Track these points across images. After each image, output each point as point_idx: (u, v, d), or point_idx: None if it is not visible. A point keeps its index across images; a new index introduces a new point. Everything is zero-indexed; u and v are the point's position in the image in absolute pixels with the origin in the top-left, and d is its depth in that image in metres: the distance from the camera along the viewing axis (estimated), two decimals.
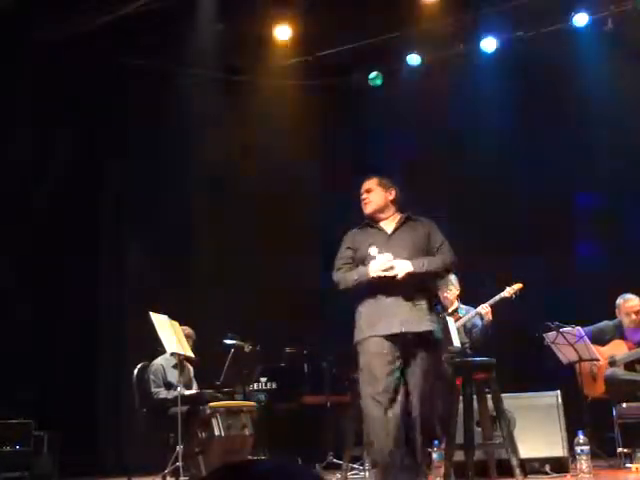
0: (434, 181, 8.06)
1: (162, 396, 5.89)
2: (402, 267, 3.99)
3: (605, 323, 5.93)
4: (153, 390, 5.98)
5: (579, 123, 7.59)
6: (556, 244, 7.62)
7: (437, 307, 4.40)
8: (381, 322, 4.03)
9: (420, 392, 3.98)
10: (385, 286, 4.02)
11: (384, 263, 4.01)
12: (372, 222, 4.25)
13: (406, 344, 4.00)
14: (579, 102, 7.47)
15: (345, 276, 4.16)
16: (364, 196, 4.27)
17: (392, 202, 4.24)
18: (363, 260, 4.12)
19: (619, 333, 5.84)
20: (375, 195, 4.24)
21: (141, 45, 7.87)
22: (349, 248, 4.23)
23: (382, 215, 4.23)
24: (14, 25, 6.82)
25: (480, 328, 5.95)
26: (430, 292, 4.21)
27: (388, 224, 4.22)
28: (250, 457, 6.06)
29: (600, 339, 5.84)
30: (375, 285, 4.04)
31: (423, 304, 4.09)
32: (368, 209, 4.25)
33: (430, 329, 4.04)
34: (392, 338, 3.99)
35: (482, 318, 5.95)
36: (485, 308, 5.88)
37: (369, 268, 4.04)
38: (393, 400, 3.93)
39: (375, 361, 3.99)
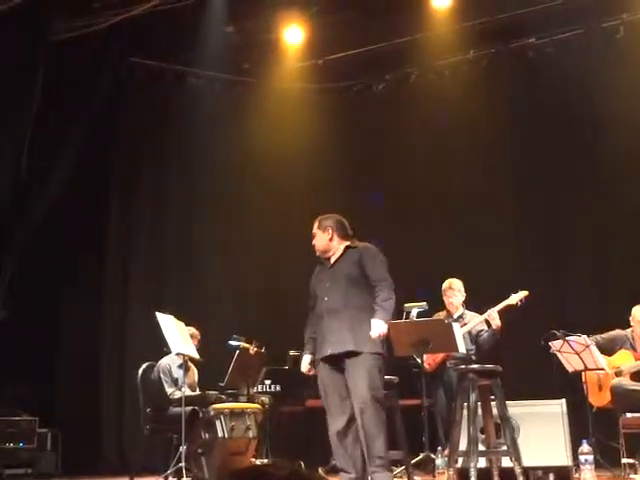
0: (439, 186, 8.06)
1: (177, 396, 5.90)
2: (377, 330, 4.45)
3: (616, 332, 5.89)
4: (168, 390, 5.99)
5: (588, 129, 7.58)
6: (562, 251, 7.61)
7: None
8: (320, 346, 4.61)
9: (358, 402, 4.40)
10: (327, 309, 4.58)
11: None
12: (323, 259, 4.82)
13: (339, 362, 4.51)
14: (590, 109, 7.46)
15: (305, 338, 4.79)
16: (313, 242, 4.80)
17: (331, 240, 4.74)
18: (315, 294, 4.72)
19: (629, 343, 5.80)
20: (317, 239, 4.77)
21: (152, 46, 7.90)
22: (311, 287, 4.81)
23: (328, 253, 4.78)
24: (27, 24, 6.84)
25: (489, 334, 5.93)
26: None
27: (334, 257, 4.76)
28: (253, 460, 6.06)
29: (610, 348, 5.80)
30: (320, 308, 4.62)
31: (364, 324, 4.47)
32: (316, 253, 4.81)
33: (354, 349, 4.44)
34: (327, 360, 4.56)
35: (489, 325, 5.93)
36: (492, 314, 5.85)
37: (302, 364, 4.76)
38: (342, 417, 4.48)
39: (324, 386, 4.60)
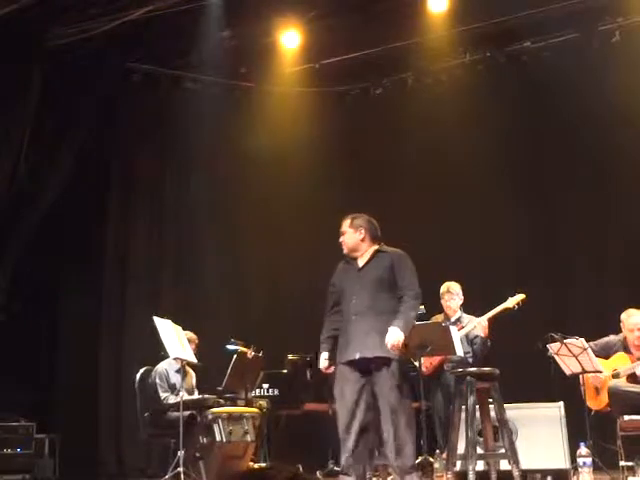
0: (437, 189, 8.08)
1: (171, 401, 5.90)
2: (393, 339, 4.40)
3: (609, 338, 5.91)
4: (161, 395, 5.98)
5: (585, 132, 7.61)
6: (561, 253, 7.63)
7: None
8: (345, 349, 4.53)
9: (388, 408, 4.37)
10: (356, 312, 4.54)
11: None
12: (350, 258, 4.76)
13: (365, 367, 4.46)
14: (585, 112, 7.48)
15: (322, 337, 4.73)
16: (340, 239, 4.75)
17: (362, 240, 4.71)
18: (340, 294, 4.67)
19: (624, 347, 5.81)
20: (347, 237, 4.72)
21: (149, 50, 7.91)
22: (333, 285, 4.78)
23: (357, 253, 4.72)
24: (25, 29, 6.85)
25: (481, 342, 5.93)
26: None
27: (362, 259, 4.71)
28: (251, 464, 6.06)
29: (604, 355, 5.82)
30: (348, 310, 4.57)
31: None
32: (344, 250, 4.76)
33: (383, 355, 4.42)
34: (353, 363, 4.49)
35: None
36: (483, 322, 5.86)
37: (320, 361, 4.68)
38: (357, 419, 4.42)
39: (343, 387, 4.51)
